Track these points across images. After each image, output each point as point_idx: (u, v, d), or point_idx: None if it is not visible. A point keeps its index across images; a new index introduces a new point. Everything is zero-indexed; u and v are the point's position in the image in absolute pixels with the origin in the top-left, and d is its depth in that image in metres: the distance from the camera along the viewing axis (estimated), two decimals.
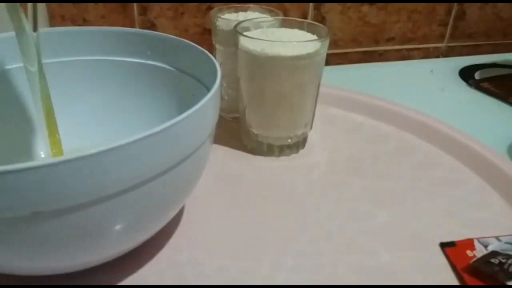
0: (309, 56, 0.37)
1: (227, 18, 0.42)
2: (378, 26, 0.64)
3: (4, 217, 0.20)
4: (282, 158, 0.41)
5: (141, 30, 0.35)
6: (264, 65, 0.37)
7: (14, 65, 0.33)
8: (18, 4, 0.26)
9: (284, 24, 0.41)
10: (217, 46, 0.43)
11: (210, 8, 0.54)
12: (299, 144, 0.42)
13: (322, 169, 0.40)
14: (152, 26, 0.56)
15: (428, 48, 0.69)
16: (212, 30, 0.43)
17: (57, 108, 0.30)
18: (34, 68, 0.28)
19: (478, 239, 0.31)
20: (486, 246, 0.31)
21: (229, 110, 0.45)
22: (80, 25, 0.53)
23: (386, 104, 0.48)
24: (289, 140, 0.41)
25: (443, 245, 0.31)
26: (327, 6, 0.61)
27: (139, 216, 0.24)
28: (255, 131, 0.40)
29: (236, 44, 0.38)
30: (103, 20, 0.53)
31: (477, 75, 0.62)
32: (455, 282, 0.29)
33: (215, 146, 0.41)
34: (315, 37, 0.38)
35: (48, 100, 0.29)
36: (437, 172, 0.39)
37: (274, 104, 0.38)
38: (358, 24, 0.63)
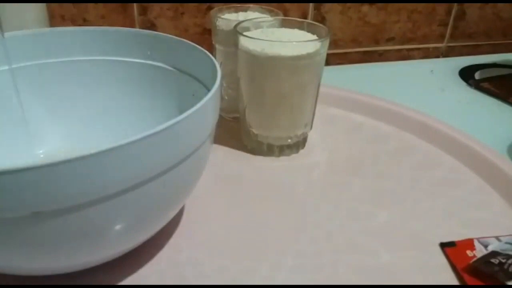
0: (309, 56, 0.37)
1: (227, 18, 0.42)
2: (378, 26, 0.64)
3: (4, 217, 0.20)
4: (282, 158, 0.41)
5: (141, 30, 0.35)
6: (264, 65, 0.37)
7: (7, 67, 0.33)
8: None
9: (284, 24, 0.41)
10: (217, 46, 0.43)
11: (210, 8, 0.54)
12: (299, 144, 0.42)
13: (322, 169, 0.40)
14: (152, 26, 0.56)
15: (428, 48, 0.69)
16: (212, 30, 0.43)
17: (57, 108, 0.30)
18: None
19: (478, 239, 0.31)
20: (486, 246, 0.31)
21: (229, 110, 0.45)
22: (80, 25, 0.53)
23: (386, 104, 0.48)
24: (289, 140, 0.41)
25: (443, 245, 0.31)
26: (327, 6, 0.61)
27: (139, 216, 0.24)
28: (255, 131, 0.40)
29: (236, 44, 0.38)
30: (103, 20, 0.53)
31: (477, 75, 0.62)
32: (455, 282, 0.29)
33: (215, 146, 0.41)
34: (315, 37, 0.38)
35: None
36: (437, 172, 0.39)
37: (274, 104, 0.38)
38: (358, 24, 0.63)
